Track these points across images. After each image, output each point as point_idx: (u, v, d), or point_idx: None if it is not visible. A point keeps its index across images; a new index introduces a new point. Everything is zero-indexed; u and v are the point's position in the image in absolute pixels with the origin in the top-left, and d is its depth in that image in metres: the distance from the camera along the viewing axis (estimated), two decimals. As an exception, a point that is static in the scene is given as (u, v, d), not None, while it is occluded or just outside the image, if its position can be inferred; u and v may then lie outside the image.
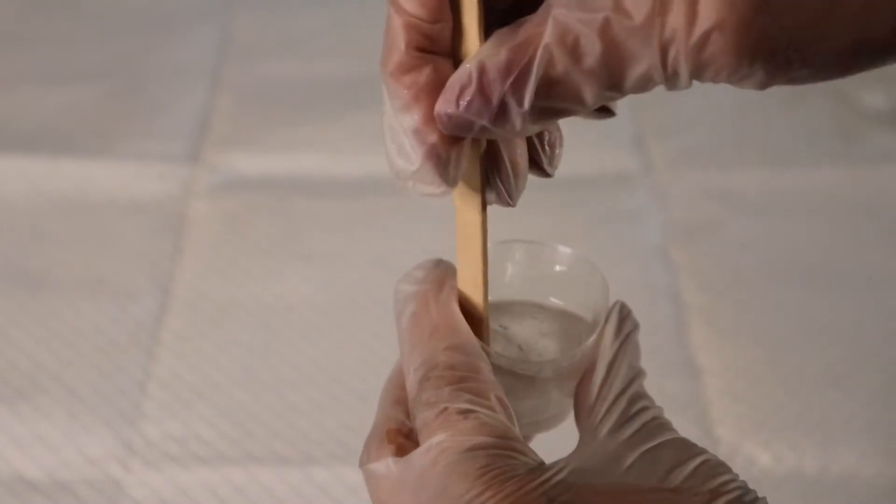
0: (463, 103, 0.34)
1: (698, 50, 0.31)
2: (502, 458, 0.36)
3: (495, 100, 0.34)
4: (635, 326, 0.43)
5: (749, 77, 0.32)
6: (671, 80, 0.33)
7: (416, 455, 0.37)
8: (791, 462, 0.64)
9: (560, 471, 0.37)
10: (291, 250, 0.77)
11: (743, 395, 0.67)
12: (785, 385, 0.68)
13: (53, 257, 0.76)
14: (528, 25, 0.33)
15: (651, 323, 0.72)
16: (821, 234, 0.79)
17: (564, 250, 0.44)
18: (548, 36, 0.33)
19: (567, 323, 0.43)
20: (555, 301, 0.44)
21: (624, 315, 0.43)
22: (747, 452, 0.64)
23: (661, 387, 0.67)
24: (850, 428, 0.65)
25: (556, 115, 0.34)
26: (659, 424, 0.39)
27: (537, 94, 0.33)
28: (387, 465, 0.38)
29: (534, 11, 0.34)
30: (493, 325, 0.42)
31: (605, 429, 0.39)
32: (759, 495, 0.37)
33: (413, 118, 0.36)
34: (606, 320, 0.42)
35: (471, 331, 0.40)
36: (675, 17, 0.31)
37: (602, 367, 0.41)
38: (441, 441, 0.37)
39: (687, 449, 0.38)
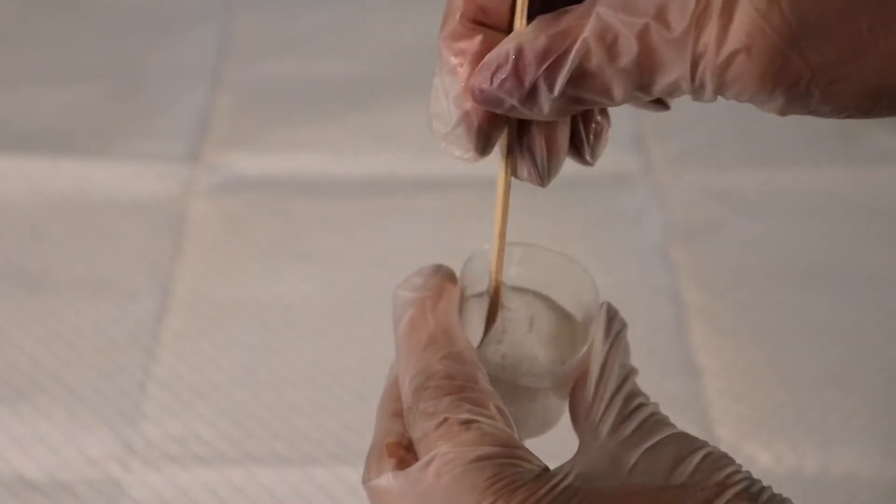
0: (497, 81, 0.35)
1: (724, 68, 0.33)
2: (509, 467, 0.36)
3: (528, 82, 0.35)
4: (623, 326, 0.43)
5: (769, 102, 0.34)
6: (697, 92, 0.34)
7: (418, 467, 0.37)
8: (791, 462, 0.64)
9: (566, 476, 0.37)
10: (291, 250, 0.77)
11: (743, 395, 0.67)
12: (785, 385, 0.68)
13: (53, 257, 0.76)
14: (571, 16, 0.34)
15: (651, 323, 0.72)
16: (821, 234, 0.79)
17: (554, 253, 0.44)
18: (588, 30, 0.34)
19: (559, 324, 0.43)
20: (546, 301, 0.44)
21: (612, 315, 0.43)
22: (747, 452, 0.64)
23: (661, 387, 0.67)
24: (850, 428, 0.66)
25: (584, 105, 0.35)
26: (657, 421, 0.39)
27: (569, 82, 0.34)
28: (388, 479, 0.38)
29: (576, 3, 0.35)
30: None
31: (604, 429, 0.39)
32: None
33: (455, 84, 0.37)
34: (596, 323, 0.42)
35: (468, 340, 0.40)
36: (709, 35, 0.33)
37: (595, 368, 0.41)
38: (445, 453, 0.37)
39: (688, 443, 0.38)
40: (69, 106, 0.89)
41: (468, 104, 0.37)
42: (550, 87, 0.34)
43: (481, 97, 0.36)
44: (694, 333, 0.71)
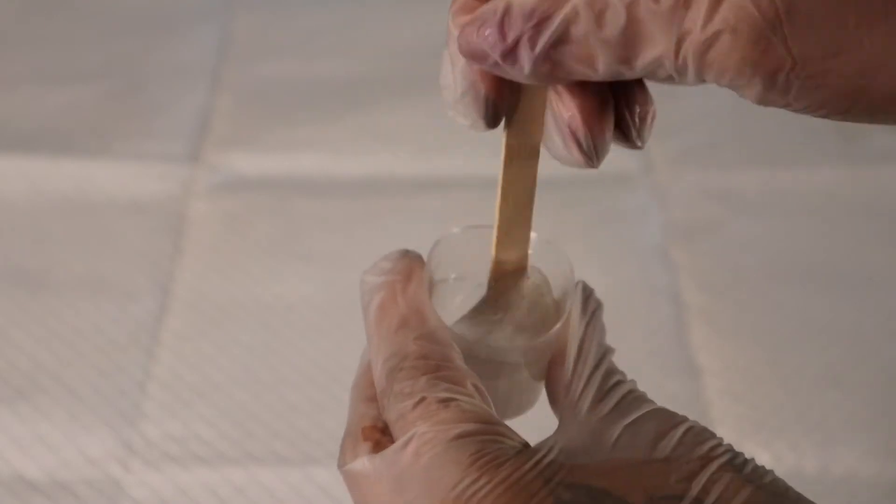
0: (482, 33, 0.35)
1: (707, 47, 0.33)
2: (491, 444, 0.36)
3: (510, 38, 0.35)
4: (599, 305, 0.43)
5: (748, 88, 0.34)
6: (680, 72, 0.34)
7: (396, 448, 0.37)
8: (791, 462, 0.64)
9: (549, 451, 0.37)
10: (291, 250, 0.77)
11: (743, 395, 0.67)
12: (785, 385, 0.68)
13: (53, 257, 0.76)
14: None
15: (651, 323, 0.72)
16: (821, 234, 0.79)
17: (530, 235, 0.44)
18: None
19: (535, 302, 0.43)
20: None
21: (587, 294, 0.43)
22: (747, 452, 0.64)
23: (661, 387, 0.67)
24: (850, 428, 0.66)
25: (566, 74, 0.35)
26: (636, 397, 0.39)
27: (553, 45, 0.34)
28: (364, 462, 0.38)
29: None
30: (463, 308, 0.42)
31: (584, 405, 0.39)
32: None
33: (460, 55, 0.37)
34: (570, 300, 0.42)
35: (440, 319, 0.40)
36: (696, 12, 0.33)
37: (573, 345, 0.41)
38: (424, 432, 0.36)
39: (669, 418, 0.38)
40: (69, 106, 0.89)
41: (474, 74, 0.37)
42: (532, 45, 0.35)
43: (467, 48, 0.36)
44: (694, 333, 0.71)
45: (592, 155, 0.38)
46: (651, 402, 0.39)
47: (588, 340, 0.41)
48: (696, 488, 0.35)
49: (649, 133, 0.39)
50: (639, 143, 0.39)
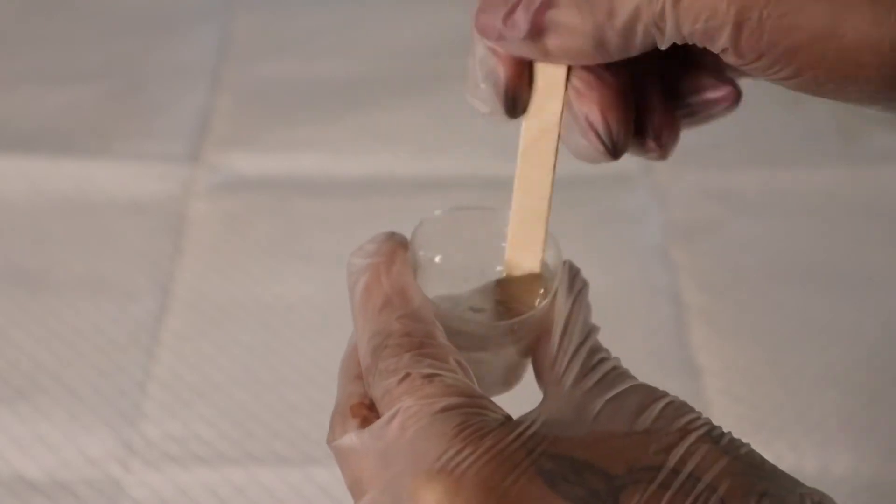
0: (489, 4, 0.38)
1: None
2: (474, 416, 0.37)
3: (511, 3, 0.37)
4: (585, 284, 0.44)
5: (721, 30, 0.35)
6: (658, 23, 0.35)
7: (382, 423, 0.38)
8: (791, 462, 0.64)
9: (533, 423, 0.37)
10: (291, 250, 0.77)
11: (743, 395, 0.67)
12: (785, 385, 0.68)
13: (53, 257, 0.76)
14: None
15: (651, 323, 0.72)
16: (821, 234, 0.79)
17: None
18: None
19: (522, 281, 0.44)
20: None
21: (574, 273, 0.44)
22: (747, 452, 0.64)
23: (661, 387, 0.67)
24: (850, 428, 0.66)
25: (558, 43, 0.37)
26: (619, 374, 0.40)
27: (543, 5, 0.37)
28: (352, 438, 0.39)
29: None
30: (450, 288, 0.43)
31: (568, 380, 0.40)
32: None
33: (482, 45, 0.39)
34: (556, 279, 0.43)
35: (425, 298, 0.41)
36: None
37: (560, 322, 0.42)
38: (409, 406, 0.37)
39: (650, 393, 0.39)
40: (69, 106, 0.89)
41: (493, 62, 0.39)
42: (527, 7, 0.37)
43: (478, 24, 0.38)
44: (694, 333, 0.71)
45: (611, 145, 0.39)
46: (634, 378, 0.40)
47: (574, 318, 0.42)
48: (673, 459, 0.36)
49: (672, 143, 0.41)
50: (657, 148, 0.41)
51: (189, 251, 0.77)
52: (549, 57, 0.38)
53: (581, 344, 0.41)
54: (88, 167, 0.83)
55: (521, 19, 0.37)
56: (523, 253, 0.42)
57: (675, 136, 0.41)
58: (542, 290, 0.43)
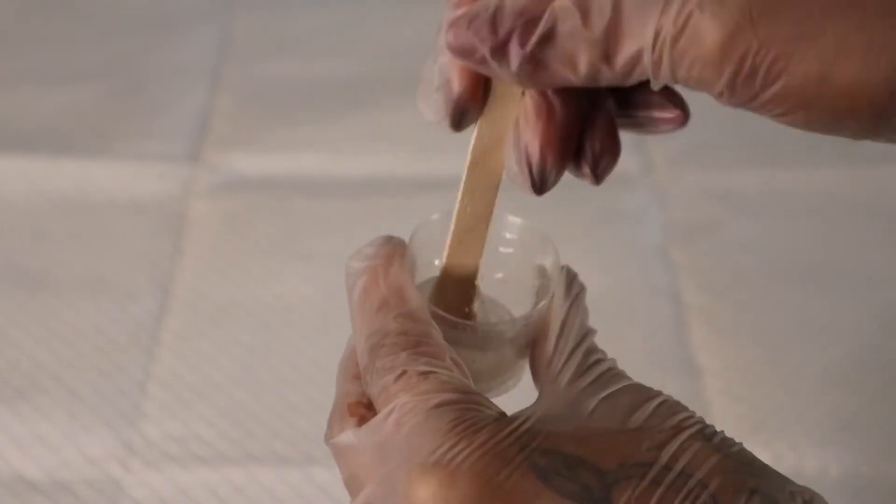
0: (473, 26, 0.36)
1: (680, 32, 0.35)
2: (469, 412, 0.37)
3: (501, 32, 0.36)
4: (582, 288, 0.44)
5: (717, 77, 0.35)
6: (655, 66, 0.35)
7: (379, 420, 0.38)
8: (791, 462, 0.64)
9: (527, 419, 0.38)
10: (291, 250, 0.78)
11: (743, 395, 0.67)
12: (785, 385, 0.68)
13: (53, 257, 0.76)
14: None
15: (651, 323, 0.72)
16: (821, 234, 0.79)
17: (514, 220, 0.45)
18: None
19: (520, 287, 0.44)
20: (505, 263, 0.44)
21: (571, 277, 0.44)
22: (747, 452, 0.64)
23: (661, 387, 0.67)
24: (850, 428, 0.66)
25: (548, 76, 0.37)
26: (614, 374, 0.40)
27: (539, 43, 0.36)
28: (349, 435, 0.39)
29: None
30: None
31: (564, 380, 0.40)
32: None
33: (444, 49, 0.38)
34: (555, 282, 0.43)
35: (422, 299, 0.41)
36: (672, 4, 0.35)
37: (556, 324, 0.42)
38: (405, 402, 0.38)
39: (644, 392, 0.39)
40: (69, 106, 0.89)
41: (451, 71, 0.38)
42: (522, 43, 0.36)
43: (455, 41, 0.37)
44: (694, 333, 0.71)
45: (539, 183, 0.40)
46: (629, 379, 0.40)
47: (571, 320, 0.42)
48: (665, 456, 0.37)
49: (608, 172, 0.42)
50: (591, 177, 0.42)
51: (189, 251, 0.77)
52: (524, 83, 0.38)
53: (577, 345, 0.42)
54: (88, 167, 0.83)
55: (515, 55, 0.36)
56: (462, 259, 0.43)
57: (612, 164, 0.42)
58: (474, 298, 0.43)
